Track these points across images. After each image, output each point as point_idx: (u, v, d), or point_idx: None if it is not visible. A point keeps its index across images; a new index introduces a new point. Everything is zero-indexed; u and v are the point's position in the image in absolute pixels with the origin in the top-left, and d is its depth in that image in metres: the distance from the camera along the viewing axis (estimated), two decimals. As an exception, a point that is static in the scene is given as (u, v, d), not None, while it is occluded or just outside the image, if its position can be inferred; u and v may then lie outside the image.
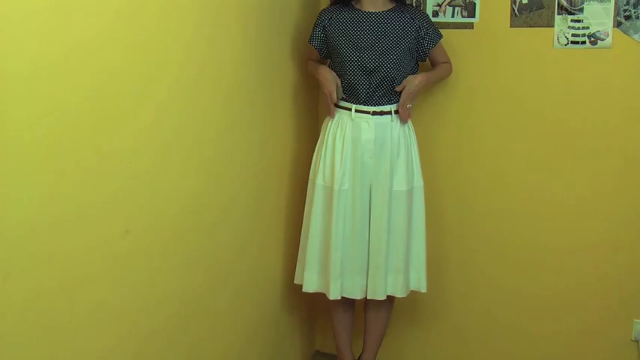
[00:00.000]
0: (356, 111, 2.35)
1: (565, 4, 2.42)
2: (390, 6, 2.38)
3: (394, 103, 2.37)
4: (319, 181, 2.40)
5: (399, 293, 2.40)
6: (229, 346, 2.24)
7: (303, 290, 2.43)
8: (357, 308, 2.63)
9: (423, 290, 2.46)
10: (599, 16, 2.38)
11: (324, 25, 2.41)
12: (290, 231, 2.60)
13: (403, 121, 2.36)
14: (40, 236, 1.40)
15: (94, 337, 1.59)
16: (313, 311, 2.93)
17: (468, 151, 2.65)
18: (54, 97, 1.41)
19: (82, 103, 1.48)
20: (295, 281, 2.49)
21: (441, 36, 2.42)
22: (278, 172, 2.52)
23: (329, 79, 2.39)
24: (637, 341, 2.49)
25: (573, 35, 2.42)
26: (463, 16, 2.57)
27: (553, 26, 2.44)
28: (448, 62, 2.51)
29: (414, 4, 2.59)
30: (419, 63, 2.46)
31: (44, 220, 1.41)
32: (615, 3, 2.35)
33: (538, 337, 2.64)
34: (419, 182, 2.42)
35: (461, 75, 2.60)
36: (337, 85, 2.37)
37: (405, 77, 2.36)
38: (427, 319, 2.80)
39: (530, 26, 2.47)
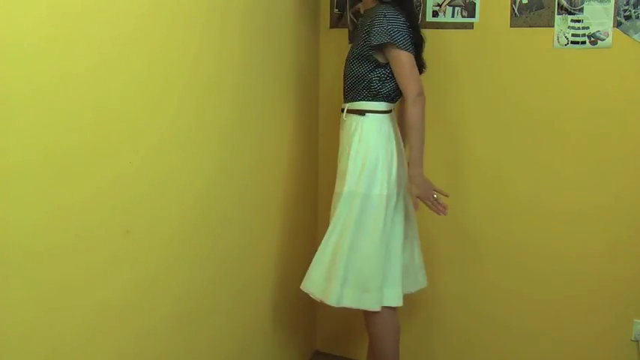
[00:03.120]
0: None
1: (565, 4, 2.42)
2: (373, 5, 2.30)
3: (349, 100, 2.31)
4: None
5: (345, 304, 2.26)
6: (229, 345, 2.24)
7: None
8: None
9: (377, 308, 2.27)
10: (599, 16, 2.38)
11: None
12: (291, 231, 2.60)
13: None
14: (40, 236, 1.40)
15: (94, 336, 1.59)
16: (313, 311, 2.93)
17: (468, 151, 2.65)
18: (55, 97, 1.41)
19: (82, 102, 1.48)
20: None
21: (376, 42, 2.16)
22: (280, 173, 2.52)
23: None
24: (637, 341, 2.49)
25: (573, 35, 2.42)
26: (463, 16, 2.57)
27: (553, 26, 2.44)
28: (406, 90, 2.19)
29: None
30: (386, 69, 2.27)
31: (44, 219, 1.41)
32: (615, 3, 2.35)
33: (538, 338, 2.64)
34: (369, 189, 2.22)
35: (461, 75, 2.60)
36: None
37: (352, 77, 2.29)
38: (423, 321, 2.80)
39: (530, 26, 2.47)
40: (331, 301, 2.25)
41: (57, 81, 1.41)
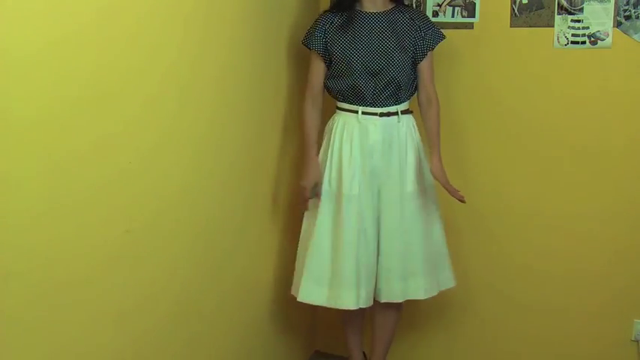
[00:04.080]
0: (363, 113, 2.31)
1: (565, 4, 2.42)
2: (389, 6, 2.35)
3: (401, 103, 2.33)
4: (326, 186, 2.34)
5: (422, 295, 2.36)
6: (229, 345, 2.24)
7: (299, 300, 2.34)
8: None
9: (452, 284, 2.48)
10: (599, 16, 2.38)
11: (325, 30, 2.35)
12: (289, 230, 2.60)
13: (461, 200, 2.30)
14: (39, 236, 1.40)
15: (93, 335, 1.59)
16: (313, 311, 2.93)
17: (468, 151, 2.65)
18: (51, 97, 1.41)
19: (79, 102, 1.48)
20: (292, 292, 2.39)
21: (442, 37, 2.35)
22: (273, 171, 2.51)
23: (310, 175, 2.34)
24: (637, 341, 2.49)
25: (573, 35, 2.42)
26: (463, 16, 2.57)
27: (553, 26, 2.44)
28: (432, 93, 2.37)
29: (414, 5, 2.60)
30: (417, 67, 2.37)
31: (43, 220, 1.41)
32: (615, 3, 2.35)
33: (538, 337, 2.64)
34: (431, 181, 2.37)
35: (461, 75, 2.60)
36: (316, 183, 2.34)
37: (407, 79, 2.31)
38: (424, 321, 2.80)
39: (530, 26, 2.47)
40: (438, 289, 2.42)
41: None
